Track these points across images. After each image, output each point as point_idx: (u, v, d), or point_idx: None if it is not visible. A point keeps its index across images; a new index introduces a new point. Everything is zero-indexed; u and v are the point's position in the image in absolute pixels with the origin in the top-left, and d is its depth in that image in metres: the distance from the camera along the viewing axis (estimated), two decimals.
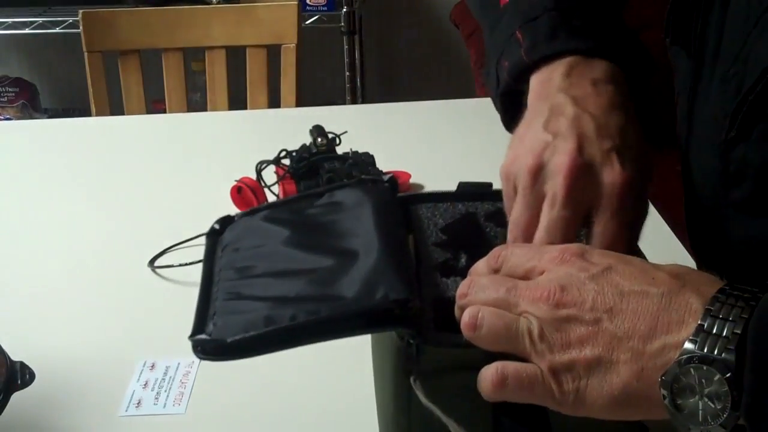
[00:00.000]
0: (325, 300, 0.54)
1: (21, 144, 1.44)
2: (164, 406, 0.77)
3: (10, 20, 2.40)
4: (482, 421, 0.54)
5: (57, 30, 2.38)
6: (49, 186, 1.25)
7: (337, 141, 1.11)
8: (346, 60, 2.43)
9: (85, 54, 1.70)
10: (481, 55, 2.17)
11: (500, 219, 0.63)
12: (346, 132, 1.12)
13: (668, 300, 0.47)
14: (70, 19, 2.31)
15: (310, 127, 1.12)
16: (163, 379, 0.80)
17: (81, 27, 1.69)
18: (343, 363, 0.80)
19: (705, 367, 0.44)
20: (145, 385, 0.80)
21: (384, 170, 1.08)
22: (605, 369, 0.47)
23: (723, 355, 0.44)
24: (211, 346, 0.53)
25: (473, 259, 0.59)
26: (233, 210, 1.11)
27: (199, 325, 0.55)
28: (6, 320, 0.91)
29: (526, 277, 0.51)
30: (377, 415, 0.66)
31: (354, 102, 2.47)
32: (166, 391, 0.79)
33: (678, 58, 0.64)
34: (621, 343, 0.47)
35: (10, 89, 2.64)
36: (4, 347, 0.71)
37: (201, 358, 0.54)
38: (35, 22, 2.39)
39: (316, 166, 1.07)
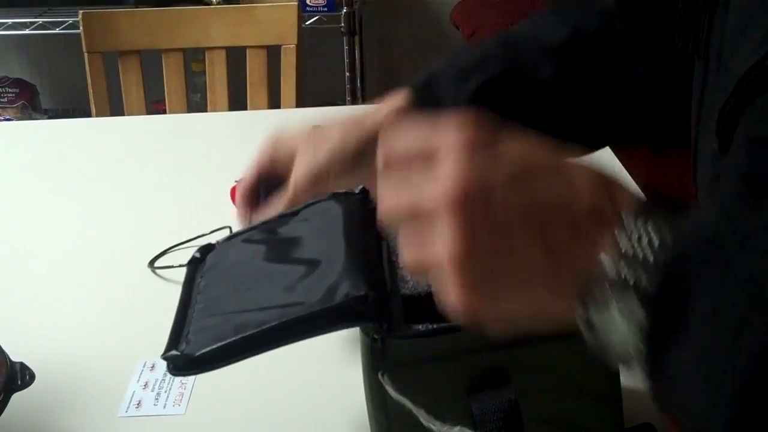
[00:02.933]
0: (293, 305, 0.56)
1: (21, 144, 1.44)
2: (164, 407, 0.77)
3: (10, 20, 2.40)
4: (451, 411, 0.56)
5: (57, 30, 2.38)
6: (49, 187, 1.25)
7: None
8: (346, 60, 2.43)
9: (85, 54, 1.70)
10: None
11: None
12: None
13: (588, 216, 0.42)
14: (70, 20, 2.31)
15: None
16: (163, 379, 0.80)
17: (81, 27, 1.69)
18: (344, 364, 0.80)
19: (620, 290, 0.40)
20: (145, 385, 0.80)
21: None
22: (517, 273, 0.43)
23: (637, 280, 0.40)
24: (182, 361, 0.56)
25: None
26: (233, 210, 1.11)
27: (172, 343, 0.58)
28: (6, 320, 0.91)
29: (427, 160, 0.44)
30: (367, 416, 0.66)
31: (354, 102, 2.47)
32: (166, 391, 0.79)
33: (695, 61, 0.63)
34: (535, 257, 0.42)
35: (10, 89, 2.65)
36: (4, 348, 0.71)
37: (173, 374, 0.57)
38: (35, 22, 2.39)
39: None
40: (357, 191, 0.67)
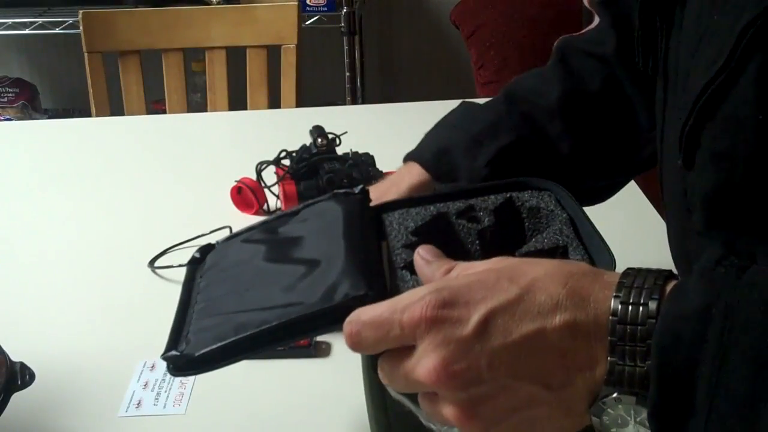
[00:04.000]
0: (293, 305, 0.56)
1: (21, 144, 1.44)
2: (164, 407, 0.77)
3: (10, 20, 2.40)
4: None
5: (57, 30, 2.38)
6: (49, 186, 1.25)
7: (337, 141, 1.11)
8: (346, 60, 2.43)
9: (85, 54, 1.70)
10: (481, 55, 2.17)
11: (471, 215, 0.65)
12: (346, 132, 1.12)
13: (568, 334, 0.45)
14: (70, 20, 2.31)
15: (310, 128, 1.12)
16: (163, 379, 0.80)
17: (81, 27, 1.69)
18: (343, 364, 0.80)
19: (634, 403, 0.45)
20: (145, 385, 0.80)
21: (384, 171, 1.08)
22: (527, 417, 0.47)
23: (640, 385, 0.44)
24: (182, 361, 0.56)
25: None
26: (233, 210, 1.12)
27: (172, 344, 0.58)
28: (6, 320, 0.91)
29: (403, 344, 0.49)
30: (367, 415, 0.66)
31: (354, 102, 2.47)
32: (166, 391, 0.79)
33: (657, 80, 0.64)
34: (536, 396, 0.46)
35: (10, 89, 2.65)
36: (4, 347, 0.71)
37: (173, 374, 0.56)
38: (35, 22, 2.39)
39: (316, 166, 1.07)
40: (357, 191, 0.67)
